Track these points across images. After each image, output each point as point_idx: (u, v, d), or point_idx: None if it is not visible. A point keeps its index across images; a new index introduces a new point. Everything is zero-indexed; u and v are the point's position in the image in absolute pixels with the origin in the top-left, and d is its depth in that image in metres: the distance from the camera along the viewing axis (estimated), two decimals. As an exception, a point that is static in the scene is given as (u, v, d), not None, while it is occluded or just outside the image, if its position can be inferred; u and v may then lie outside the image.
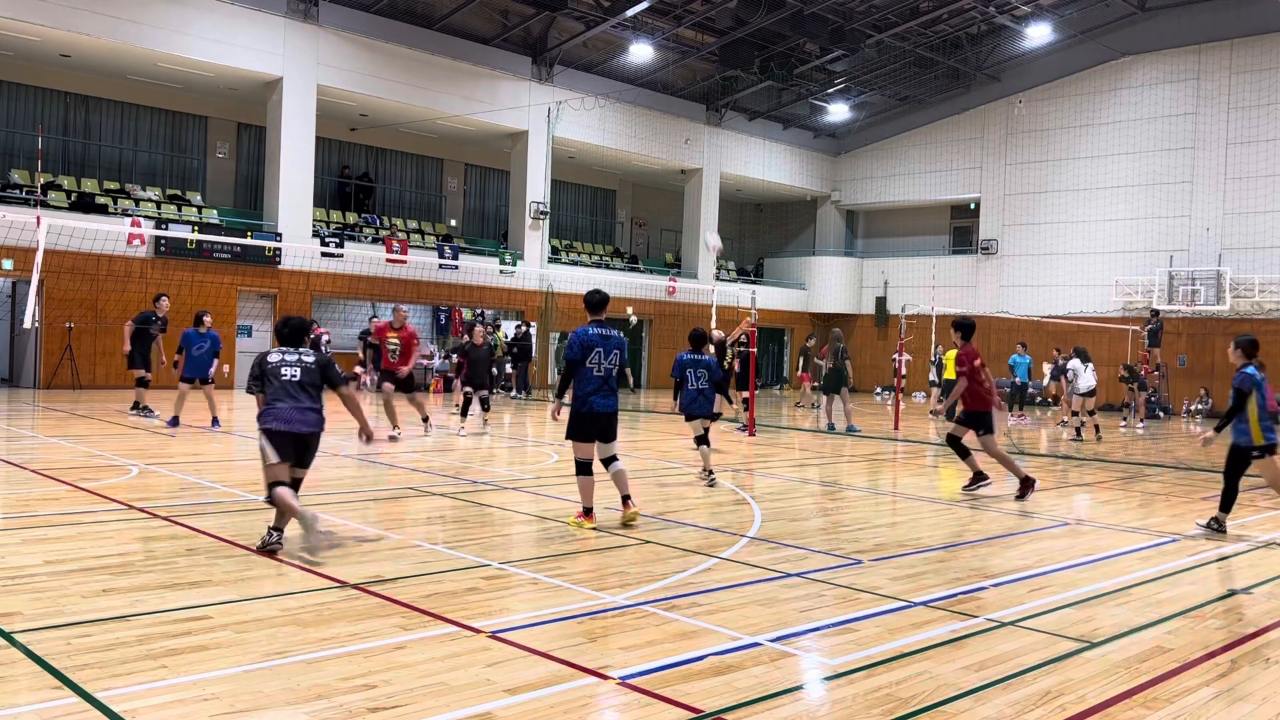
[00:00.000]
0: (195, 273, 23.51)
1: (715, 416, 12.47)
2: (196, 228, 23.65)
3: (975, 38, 32.81)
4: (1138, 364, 24.72)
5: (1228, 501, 8.79)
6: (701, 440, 10.99)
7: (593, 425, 8.10)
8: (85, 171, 25.01)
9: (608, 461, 8.23)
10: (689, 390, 11.11)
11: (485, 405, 15.93)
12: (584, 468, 8.13)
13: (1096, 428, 19.15)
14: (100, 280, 21.86)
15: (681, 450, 14.15)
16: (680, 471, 11.88)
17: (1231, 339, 9.17)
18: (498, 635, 4.96)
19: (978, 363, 10.66)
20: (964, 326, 10.96)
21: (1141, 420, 23.78)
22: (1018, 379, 24.45)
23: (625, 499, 8.19)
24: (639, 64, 30.96)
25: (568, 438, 8.20)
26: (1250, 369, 8.68)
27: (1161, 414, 27.61)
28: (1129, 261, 31.45)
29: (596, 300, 8.37)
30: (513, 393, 25.76)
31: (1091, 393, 18.98)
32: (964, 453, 10.77)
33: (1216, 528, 8.75)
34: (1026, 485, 10.47)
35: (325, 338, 24.31)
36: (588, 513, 8.08)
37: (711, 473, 10.82)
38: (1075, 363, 19.28)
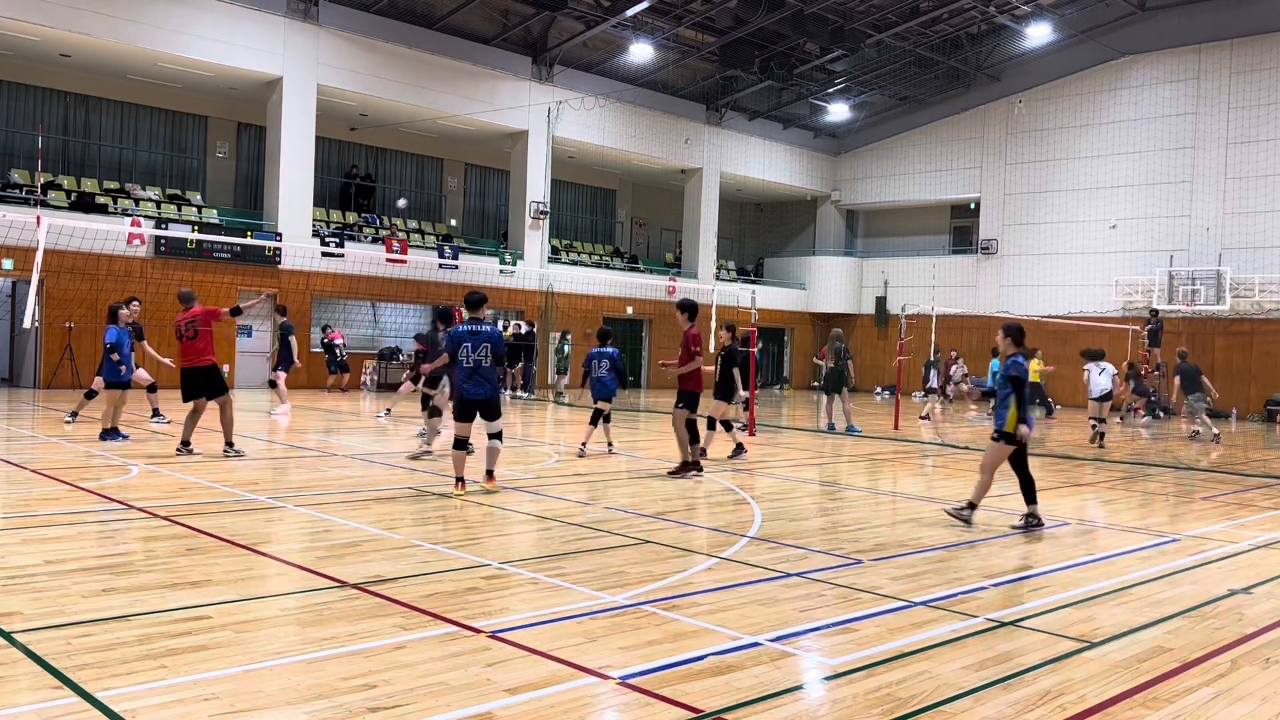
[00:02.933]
0: (195, 272, 23.50)
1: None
2: (196, 227, 23.65)
3: (975, 37, 32.81)
4: (1138, 363, 24.74)
5: (1032, 491, 8.75)
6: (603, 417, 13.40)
7: (467, 408, 9.29)
8: (85, 171, 25.01)
9: (491, 436, 9.49)
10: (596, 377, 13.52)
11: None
12: (459, 444, 9.36)
13: (1101, 435, 17.78)
14: (100, 280, 21.85)
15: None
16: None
17: (1229, 337, 9.27)
18: (498, 635, 4.96)
19: (697, 348, 11.47)
20: (690, 307, 11.62)
21: (1144, 418, 23.82)
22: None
23: (489, 473, 9.54)
24: (639, 64, 30.96)
25: (454, 419, 9.45)
26: (1020, 357, 8.71)
27: (1161, 414, 27.60)
28: (1129, 261, 31.46)
29: (475, 300, 9.46)
30: (515, 392, 25.75)
31: (1104, 396, 17.57)
32: (695, 438, 11.50)
33: (1035, 523, 8.60)
34: (686, 468, 11.32)
35: (339, 341, 24.36)
36: (459, 481, 9.23)
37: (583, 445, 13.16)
38: (1089, 366, 18.01)
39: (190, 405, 11.71)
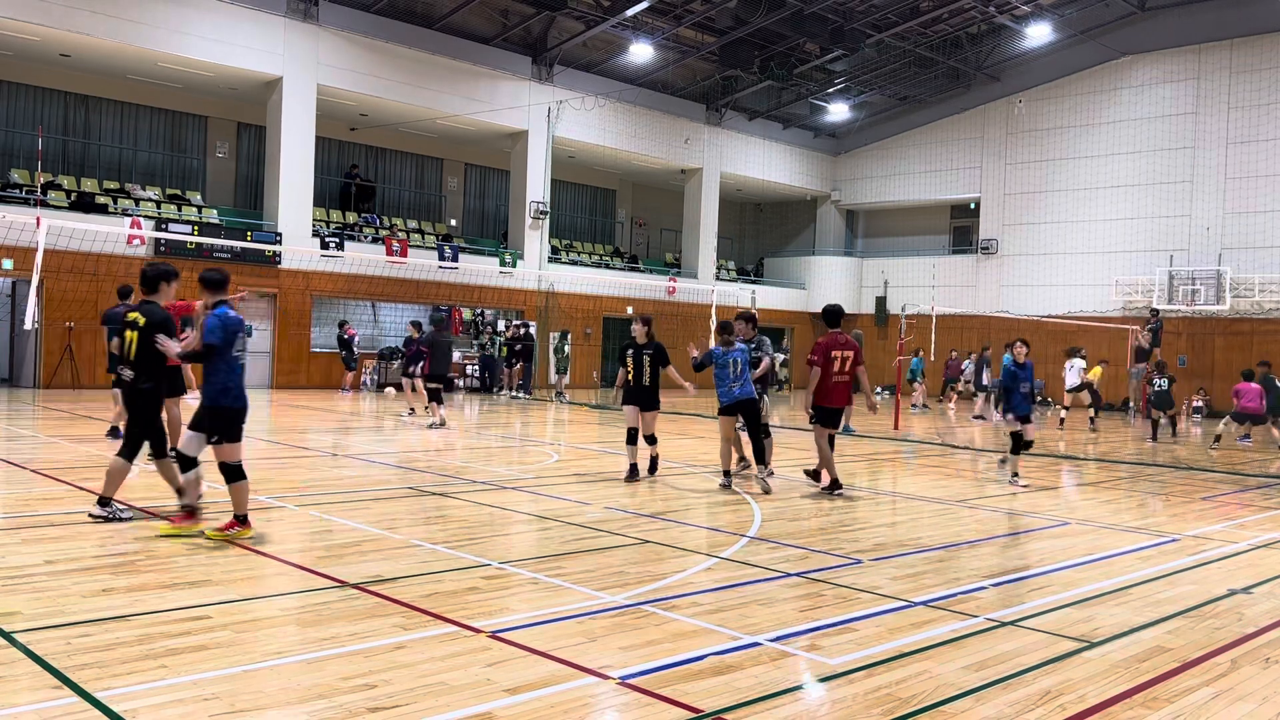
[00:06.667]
0: (195, 272, 23.42)
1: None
2: (196, 228, 23.63)
3: (975, 37, 32.80)
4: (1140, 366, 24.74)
5: (759, 453, 10.41)
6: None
7: (244, 419, 7.29)
8: (85, 171, 25.00)
9: (190, 463, 7.39)
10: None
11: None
12: (241, 470, 7.19)
13: (1061, 420, 21.64)
14: (100, 280, 21.84)
15: (681, 450, 14.14)
16: (680, 472, 11.87)
17: (1229, 337, 9.37)
18: (498, 635, 4.96)
19: (814, 357, 10.46)
20: (827, 314, 10.79)
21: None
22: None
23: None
24: (639, 64, 30.96)
25: (230, 440, 7.13)
26: (718, 348, 10.32)
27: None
28: (1129, 261, 31.45)
29: (216, 279, 7.41)
30: (511, 392, 25.77)
31: (1074, 389, 20.97)
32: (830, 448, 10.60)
33: (726, 484, 10.29)
34: (834, 486, 10.36)
35: (354, 337, 24.40)
36: (245, 520, 7.13)
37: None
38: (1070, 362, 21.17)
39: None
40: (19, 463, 10.47)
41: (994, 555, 7.53)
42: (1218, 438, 17.76)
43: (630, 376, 10.99)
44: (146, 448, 7.81)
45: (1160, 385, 19.26)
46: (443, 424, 16.11)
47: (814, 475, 10.77)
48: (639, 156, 33.12)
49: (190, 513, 7.31)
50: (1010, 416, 11.88)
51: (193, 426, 7.21)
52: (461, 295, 28.76)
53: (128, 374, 7.66)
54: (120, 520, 7.49)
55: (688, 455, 13.54)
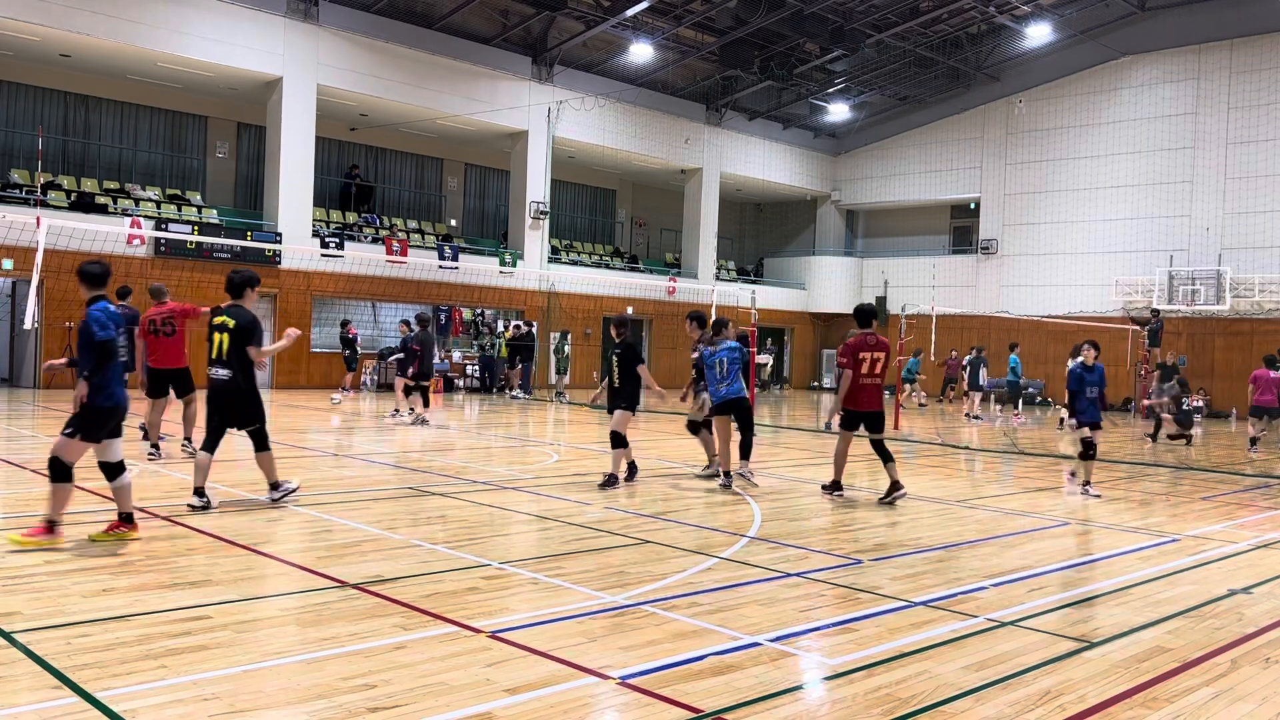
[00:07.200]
0: (195, 272, 23.46)
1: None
2: (196, 228, 23.64)
3: (975, 37, 32.81)
4: (1139, 364, 24.76)
5: (744, 450, 10.63)
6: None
7: (115, 420, 6.87)
8: (85, 171, 25.00)
9: (117, 469, 6.90)
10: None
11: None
12: (70, 472, 6.64)
13: (1062, 420, 20.82)
14: (100, 280, 21.83)
15: (680, 451, 14.14)
16: (680, 472, 11.88)
17: (1229, 337, 9.27)
18: (498, 635, 4.96)
19: (843, 360, 9.99)
20: (860, 314, 10.20)
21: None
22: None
23: (128, 517, 6.88)
24: (639, 64, 30.97)
25: (86, 438, 6.68)
26: (705, 349, 10.72)
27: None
28: (1129, 261, 31.46)
29: (96, 272, 6.95)
30: (512, 392, 25.77)
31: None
32: (887, 457, 10.02)
33: (726, 483, 10.38)
34: (835, 487, 10.14)
35: (357, 337, 24.41)
36: (53, 527, 6.58)
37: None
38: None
39: (150, 402, 11.22)
40: (19, 463, 10.47)
41: (994, 555, 7.53)
42: (1254, 440, 16.92)
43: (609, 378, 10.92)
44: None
45: (1187, 404, 18.87)
46: (421, 422, 16.89)
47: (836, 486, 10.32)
48: (639, 156, 33.13)
49: (126, 520, 6.88)
50: (1075, 422, 11.20)
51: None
52: (462, 295, 28.76)
53: (223, 374, 8.33)
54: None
55: (687, 456, 13.53)
